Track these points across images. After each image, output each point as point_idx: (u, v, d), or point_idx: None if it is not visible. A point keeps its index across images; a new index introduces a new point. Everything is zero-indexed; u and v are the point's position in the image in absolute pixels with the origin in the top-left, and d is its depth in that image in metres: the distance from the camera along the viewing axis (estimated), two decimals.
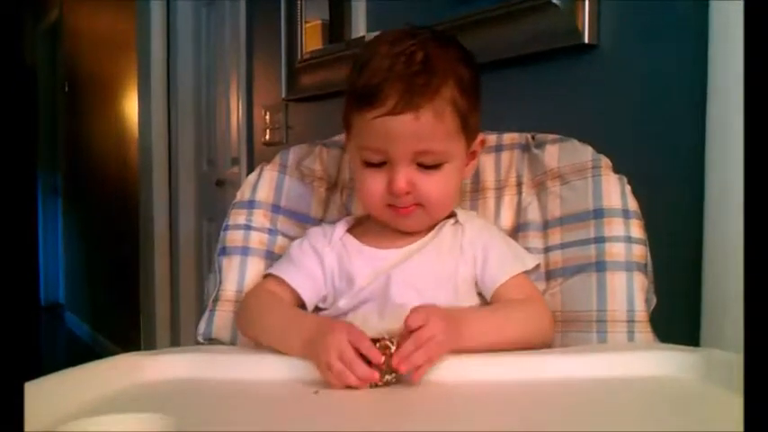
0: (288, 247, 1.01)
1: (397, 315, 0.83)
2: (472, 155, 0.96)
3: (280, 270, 0.97)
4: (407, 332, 0.75)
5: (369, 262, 0.93)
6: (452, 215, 0.98)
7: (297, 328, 0.83)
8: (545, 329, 0.91)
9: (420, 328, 0.74)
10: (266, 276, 0.99)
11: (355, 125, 0.90)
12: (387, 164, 0.88)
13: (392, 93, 0.84)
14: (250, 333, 0.94)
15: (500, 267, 0.92)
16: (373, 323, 0.87)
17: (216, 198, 3.06)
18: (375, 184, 0.90)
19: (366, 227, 0.99)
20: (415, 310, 0.77)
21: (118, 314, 4.02)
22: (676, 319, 1.11)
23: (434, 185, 0.89)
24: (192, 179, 3.33)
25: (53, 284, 5.82)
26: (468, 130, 0.91)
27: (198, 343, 1.00)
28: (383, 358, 0.73)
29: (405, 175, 0.87)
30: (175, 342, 3.31)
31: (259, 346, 0.89)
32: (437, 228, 0.96)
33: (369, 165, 0.90)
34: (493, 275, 0.92)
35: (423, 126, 0.85)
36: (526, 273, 0.95)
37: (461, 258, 0.93)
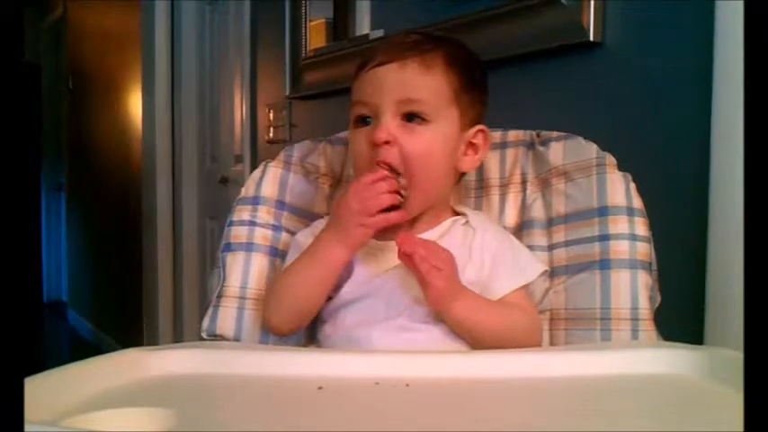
0: (294, 240, 1.01)
1: (403, 310, 0.83)
2: (472, 147, 0.95)
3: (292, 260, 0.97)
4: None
5: (371, 252, 0.94)
6: (460, 214, 0.97)
7: (319, 245, 0.91)
8: (531, 339, 0.91)
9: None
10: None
11: (352, 91, 0.93)
12: (374, 120, 0.89)
13: (383, 50, 0.89)
14: (286, 302, 0.93)
15: (505, 279, 0.92)
16: (380, 316, 0.88)
17: (219, 196, 3.06)
18: (361, 140, 0.91)
19: None
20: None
21: (120, 312, 4.03)
22: (680, 317, 1.11)
23: (417, 143, 0.88)
24: (196, 177, 3.33)
25: (56, 281, 5.82)
26: (461, 104, 0.91)
27: (201, 339, 1.00)
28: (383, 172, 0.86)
29: (387, 125, 0.87)
30: (178, 339, 3.31)
31: (304, 310, 0.93)
32: (446, 225, 0.95)
33: (357, 123, 0.92)
34: (497, 286, 0.92)
35: (408, 74, 0.87)
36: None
37: (470, 261, 0.92)
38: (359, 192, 0.86)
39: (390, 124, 0.87)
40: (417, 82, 0.87)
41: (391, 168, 0.87)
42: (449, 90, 0.89)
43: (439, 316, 0.88)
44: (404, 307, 0.89)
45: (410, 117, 0.88)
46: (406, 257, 0.83)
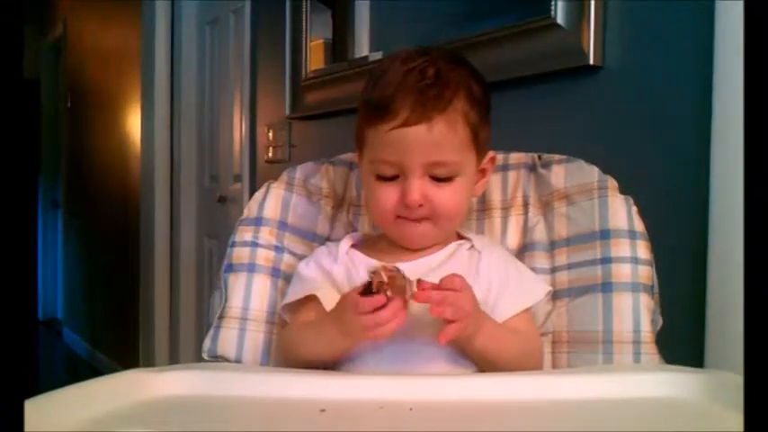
0: (296, 270, 1.00)
1: (410, 332, 0.83)
2: (482, 172, 0.96)
3: (294, 295, 0.96)
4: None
5: None
6: (464, 238, 0.98)
7: (324, 331, 0.87)
8: (534, 362, 0.92)
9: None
10: (283, 308, 0.98)
11: (368, 139, 0.90)
12: (399, 177, 0.89)
13: (405, 105, 0.85)
14: (296, 358, 0.92)
15: (512, 300, 0.92)
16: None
17: (218, 215, 3.06)
18: (388, 197, 0.89)
19: (373, 242, 0.99)
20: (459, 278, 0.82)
21: (116, 330, 4.01)
22: (680, 339, 1.11)
23: (447, 198, 0.89)
24: (194, 195, 3.33)
25: (51, 299, 5.80)
26: (479, 143, 0.91)
27: (202, 360, 0.99)
28: (382, 298, 0.79)
29: (419, 187, 0.87)
30: (174, 359, 3.30)
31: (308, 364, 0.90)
32: (451, 248, 0.95)
33: (381, 178, 0.90)
34: (503, 309, 0.91)
35: (436, 137, 0.85)
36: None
37: (476, 283, 0.91)
38: (359, 315, 0.80)
39: (421, 185, 0.87)
40: (445, 144, 0.86)
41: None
42: (470, 137, 0.89)
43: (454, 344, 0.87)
44: (409, 329, 0.88)
45: (439, 177, 0.88)
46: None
